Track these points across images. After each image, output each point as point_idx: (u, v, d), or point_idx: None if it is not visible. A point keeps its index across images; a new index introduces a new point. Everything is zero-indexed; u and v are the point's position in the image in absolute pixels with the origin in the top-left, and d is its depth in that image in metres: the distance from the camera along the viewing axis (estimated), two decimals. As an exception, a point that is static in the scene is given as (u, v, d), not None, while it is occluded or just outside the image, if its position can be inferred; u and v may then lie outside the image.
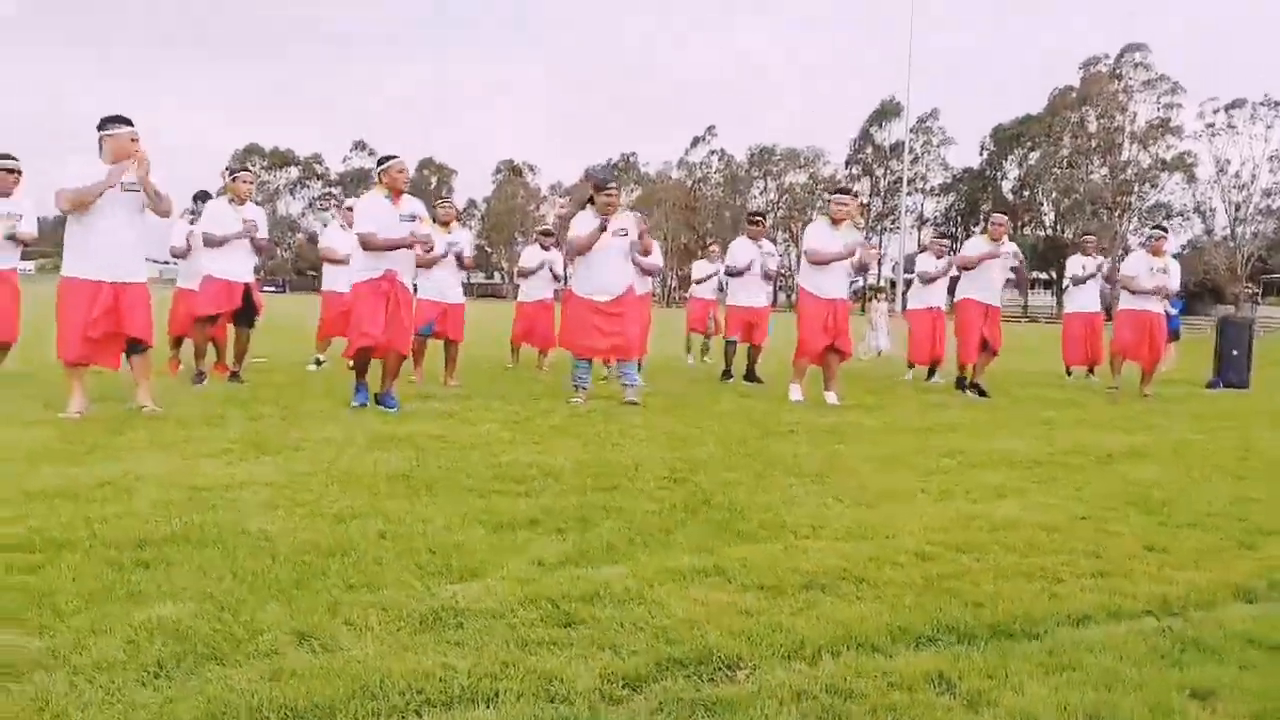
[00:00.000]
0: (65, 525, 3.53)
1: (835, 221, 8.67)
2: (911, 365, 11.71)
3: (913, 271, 12.08)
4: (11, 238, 8.00)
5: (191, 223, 9.15)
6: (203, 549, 3.31)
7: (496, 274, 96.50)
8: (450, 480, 4.60)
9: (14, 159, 8.00)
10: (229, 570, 3.08)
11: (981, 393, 9.51)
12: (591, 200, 8.10)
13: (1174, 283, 10.39)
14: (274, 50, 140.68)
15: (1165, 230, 11.23)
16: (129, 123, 6.31)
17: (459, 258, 9.39)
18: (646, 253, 8.30)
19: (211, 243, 8.36)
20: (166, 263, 9.19)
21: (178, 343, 9.50)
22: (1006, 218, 10.53)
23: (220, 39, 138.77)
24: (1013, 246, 10.01)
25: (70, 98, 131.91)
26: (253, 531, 3.55)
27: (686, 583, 3.15)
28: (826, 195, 9.56)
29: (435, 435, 5.93)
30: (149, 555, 3.21)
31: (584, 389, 8.08)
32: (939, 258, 11.58)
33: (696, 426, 6.77)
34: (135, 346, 6.52)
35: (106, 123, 6.31)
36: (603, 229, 7.83)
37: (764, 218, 11.90)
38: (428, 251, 7.58)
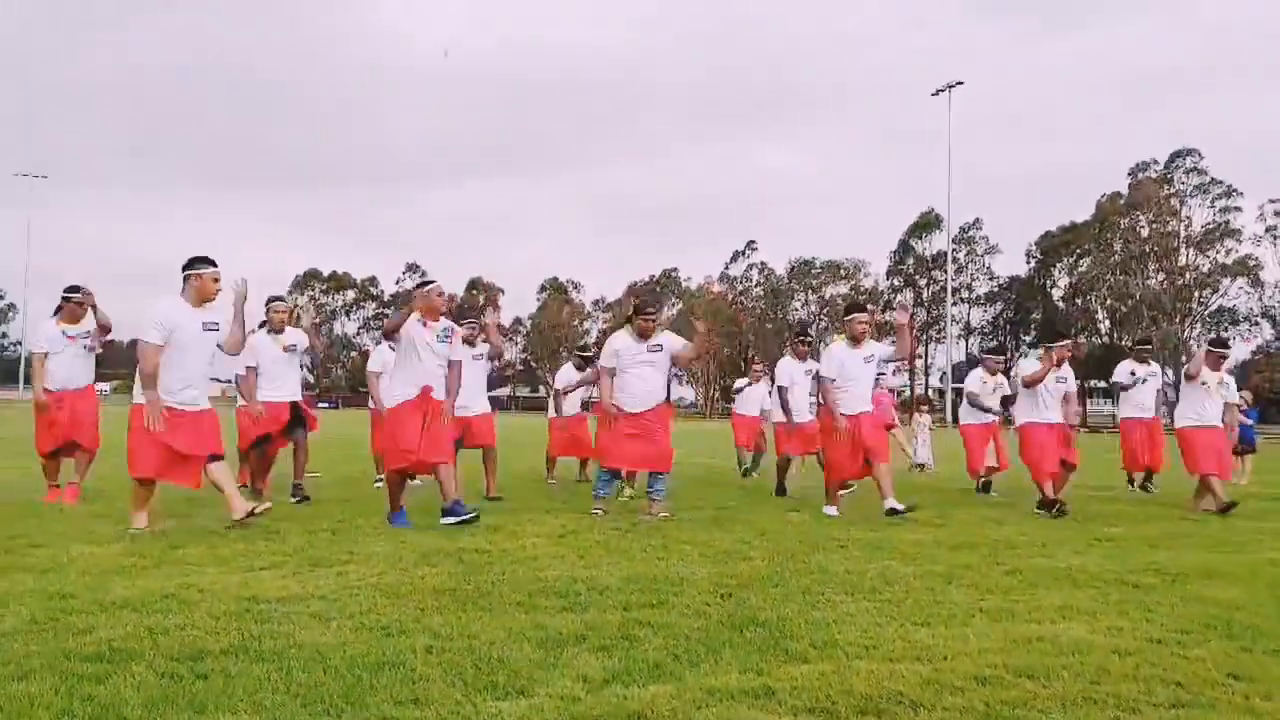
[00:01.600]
0: (130, 636, 3.68)
1: (855, 340, 8.70)
2: (977, 479, 11.41)
3: (963, 383, 11.90)
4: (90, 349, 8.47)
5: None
6: (258, 661, 3.39)
7: (541, 388, 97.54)
8: (496, 594, 4.60)
9: (77, 291, 8.38)
10: (282, 683, 3.14)
11: (1062, 512, 9.12)
12: (630, 320, 8.29)
13: (1231, 394, 10.17)
14: (328, 178, 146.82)
15: (1227, 347, 10.90)
16: (213, 264, 6.68)
17: (491, 362, 9.69)
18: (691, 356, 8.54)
19: (252, 375, 8.77)
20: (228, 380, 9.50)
21: (246, 456, 9.73)
22: (1070, 343, 10.26)
23: (278, 172, 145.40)
24: (1068, 371, 9.84)
25: (140, 238, 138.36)
26: (305, 644, 3.61)
27: (734, 703, 3.08)
28: (844, 317, 9.51)
29: (481, 549, 5.95)
30: (207, 667, 3.30)
31: (603, 496, 8.19)
32: (993, 374, 11.43)
33: (743, 541, 6.69)
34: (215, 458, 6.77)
35: (193, 263, 6.66)
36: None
37: (810, 337, 11.93)
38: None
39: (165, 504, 7.77)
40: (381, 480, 10.12)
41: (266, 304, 9.13)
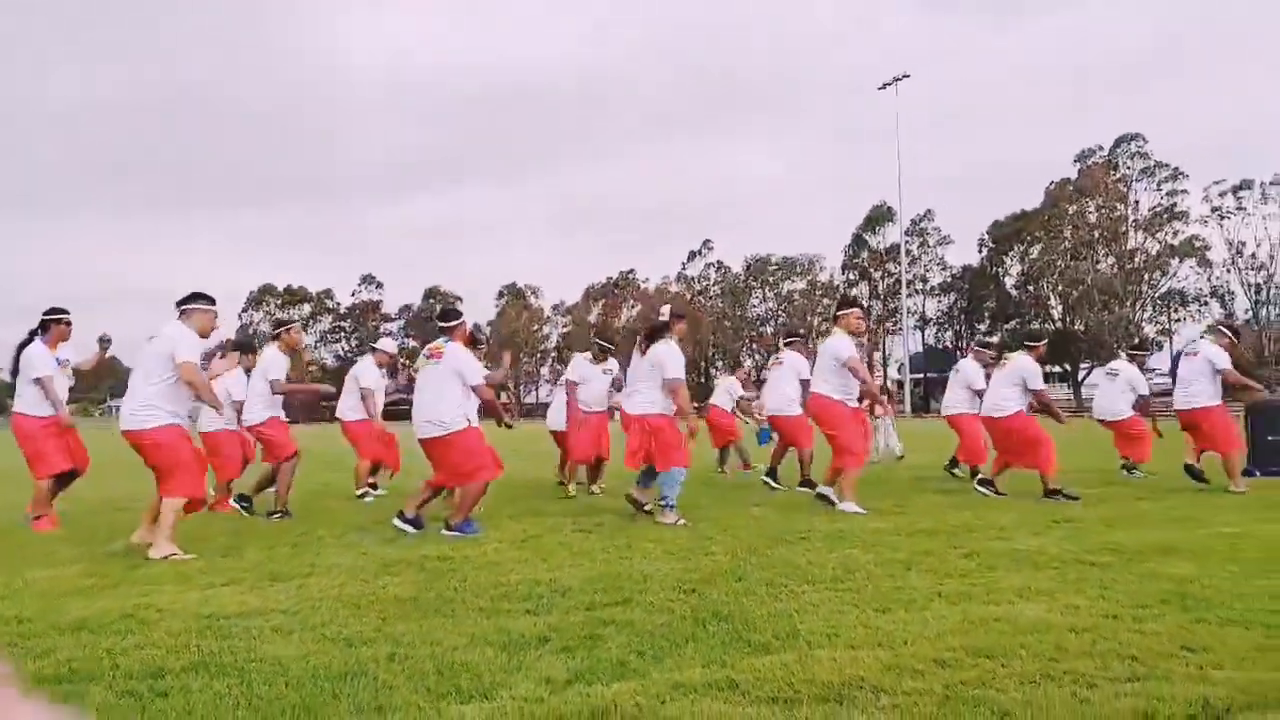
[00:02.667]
0: (89, 657, 3.64)
1: (855, 333, 8.80)
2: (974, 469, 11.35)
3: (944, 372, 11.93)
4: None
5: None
6: (218, 677, 3.36)
7: (503, 394, 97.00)
8: (458, 601, 4.59)
9: (65, 313, 8.24)
10: (244, 698, 3.12)
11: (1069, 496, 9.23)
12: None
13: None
14: (281, 194, 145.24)
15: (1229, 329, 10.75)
16: (211, 300, 6.70)
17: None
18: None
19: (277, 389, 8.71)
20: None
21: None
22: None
23: (230, 189, 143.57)
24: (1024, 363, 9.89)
25: (91, 254, 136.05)
26: (266, 658, 3.59)
27: (698, 697, 3.10)
28: (837, 311, 9.43)
29: (443, 557, 5.93)
30: (167, 685, 3.28)
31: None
32: (985, 366, 11.30)
33: (706, 537, 6.73)
34: None
35: (192, 298, 6.65)
36: None
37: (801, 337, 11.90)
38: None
39: (124, 525, 7.68)
40: (366, 493, 10.06)
41: (286, 327, 9.19)
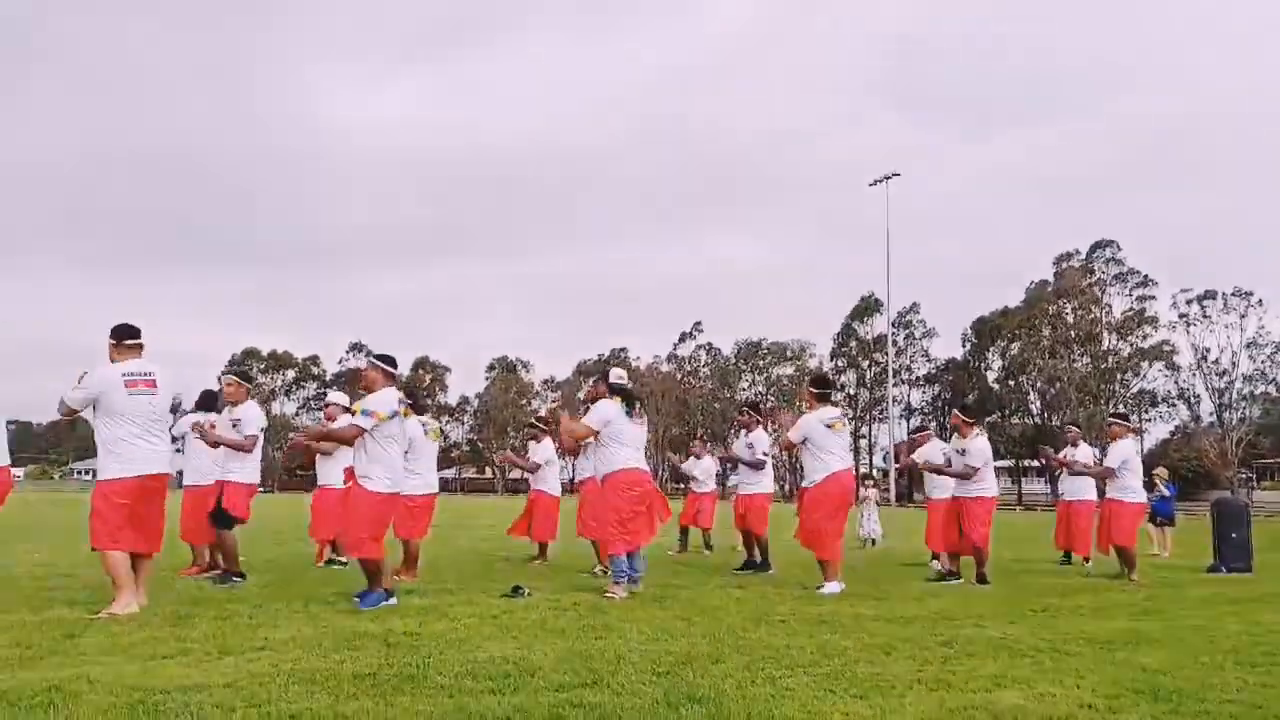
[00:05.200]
0: (-4, 736, 3.30)
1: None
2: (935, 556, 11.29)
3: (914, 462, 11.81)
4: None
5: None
6: (144, 759, 3.08)
7: (488, 468, 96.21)
8: (420, 678, 4.35)
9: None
10: (170, 779, 2.85)
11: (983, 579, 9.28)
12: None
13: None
14: (269, 259, 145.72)
15: (1124, 418, 11.27)
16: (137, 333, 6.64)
17: None
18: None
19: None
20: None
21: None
22: (960, 415, 10.41)
23: (216, 253, 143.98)
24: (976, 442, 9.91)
25: (69, 312, 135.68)
26: (202, 736, 3.31)
27: (667, 784, 2.90)
28: (813, 389, 9.45)
29: (410, 631, 5.67)
30: (84, 768, 2.97)
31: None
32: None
33: (682, 618, 6.51)
34: None
35: (119, 333, 6.59)
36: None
37: (751, 410, 11.80)
38: None
39: (63, 592, 7.38)
40: (341, 561, 9.74)
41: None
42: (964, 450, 9.75)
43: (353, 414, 7.33)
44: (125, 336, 6.59)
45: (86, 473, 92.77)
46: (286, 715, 3.64)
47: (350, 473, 7.69)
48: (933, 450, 11.15)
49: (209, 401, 9.46)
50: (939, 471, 10.25)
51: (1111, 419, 11.22)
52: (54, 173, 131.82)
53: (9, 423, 7.85)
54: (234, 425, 8.39)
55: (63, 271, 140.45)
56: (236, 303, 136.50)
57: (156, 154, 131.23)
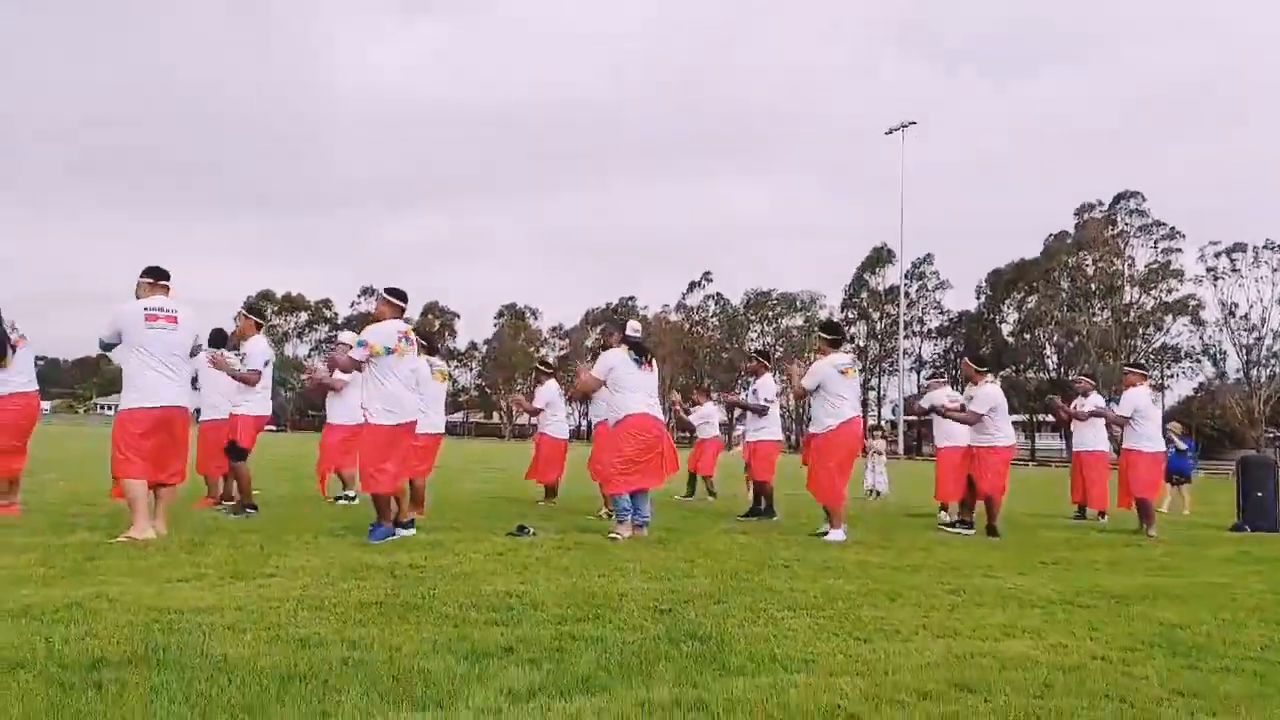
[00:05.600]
0: (24, 644, 3.44)
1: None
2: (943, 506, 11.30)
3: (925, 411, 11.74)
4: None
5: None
6: (160, 671, 3.18)
7: (495, 413, 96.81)
8: (425, 608, 4.40)
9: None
10: (181, 694, 2.94)
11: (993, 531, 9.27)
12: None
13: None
14: (284, 204, 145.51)
15: (1141, 368, 11.14)
16: (166, 275, 6.94)
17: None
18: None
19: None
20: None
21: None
22: (970, 363, 10.35)
23: (234, 196, 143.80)
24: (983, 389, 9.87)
25: (84, 252, 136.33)
26: (213, 654, 3.41)
27: (665, 716, 2.93)
28: (825, 335, 9.37)
29: (415, 565, 5.73)
30: (103, 676, 3.09)
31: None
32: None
33: (687, 560, 6.54)
34: None
35: (148, 273, 6.89)
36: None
37: (760, 358, 11.80)
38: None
39: (86, 518, 7.49)
40: (346, 498, 9.84)
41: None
42: (972, 398, 9.72)
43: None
44: (154, 276, 6.93)
45: (109, 408, 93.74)
46: (295, 638, 3.69)
47: None
48: (941, 396, 11.08)
49: (219, 339, 9.51)
50: (946, 414, 10.10)
51: (1127, 368, 11.07)
52: (80, 112, 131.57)
53: (36, 358, 8.16)
54: (242, 360, 8.48)
55: (89, 212, 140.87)
56: (254, 246, 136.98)
57: (180, 96, 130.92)
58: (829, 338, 9.02)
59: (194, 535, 6.63)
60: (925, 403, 11.08)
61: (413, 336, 7.44)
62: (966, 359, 10.48)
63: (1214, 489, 17.42)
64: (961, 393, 10.48)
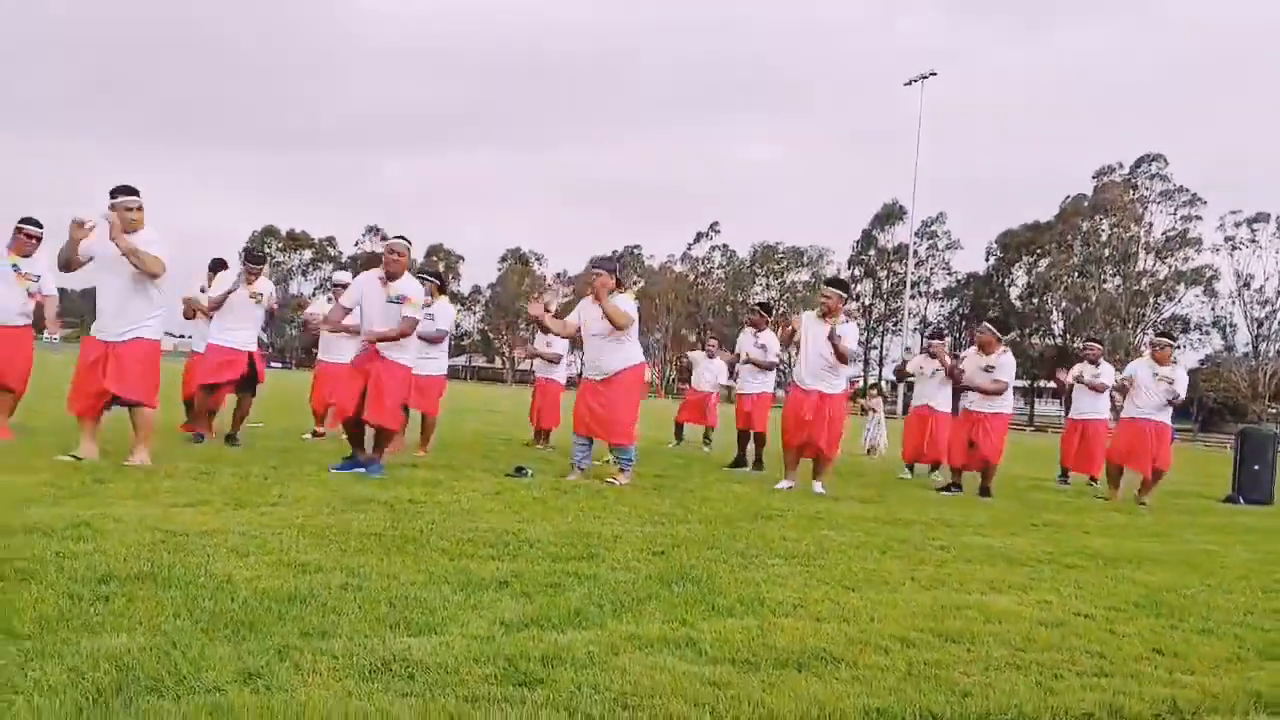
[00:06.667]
0: (35, 559, 3.53)
1: (825, 314, 8.64)
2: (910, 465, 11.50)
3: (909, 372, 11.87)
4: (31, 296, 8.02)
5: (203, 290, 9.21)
6: (165, 588, 3.28)
7: (498, 358, 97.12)
8: (423, 541, 4.49)
9: (39, 224, 8.06)
10: (186, 609, 3.04)
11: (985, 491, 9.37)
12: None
13: (1181, 390, 10.23)
14: (291, 141, 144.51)
15: (1173, 339, 11.13)
16: (133, 192, 6.61)
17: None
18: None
19: (215, 303, 8.47)
20: (182, 335, 9.28)
21: (190, 405, 9.51)
22: (992, 330, 10.33)
23: (240, 131, 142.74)
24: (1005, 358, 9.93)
25: (86, 180, 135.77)
26: (217, 575, 3.50)
27: (654, 652, 3.02)
28: (845, 294, 9.32)
29: (415, 500, 5.84)
30: (111, 590, 3.19)
31: (580, 468, 7.98)
32: (934, 358, 11.33)
33: (682, 506, 6.65)
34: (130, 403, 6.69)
35: (114, 193, 6.58)
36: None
37: (762, 310, 11.86)
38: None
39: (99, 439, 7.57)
40: (312, 435, 9.94)
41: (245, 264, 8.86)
42: (991, 367, 9.73)
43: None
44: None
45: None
46: (296, 563, 3.79)
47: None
48: (918, 363, 11.43)
49: (219, 266, 9.50)
50: (978, 387, 9.88)
51: (1160, 340, 10.79)
52: (84, 42, 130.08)
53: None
54: (254, 296, 8.61)
55: (95, 144, 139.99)
56: (258, 182, 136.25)
57: (186, 31, 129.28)
58: (847, 295, 9.08)
59: (199, 464, 6.73)
60: (917, 366, 11.22)
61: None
62: (989, 326, 10.40)
63: (1212, 461, 17.50)
64: (962, 360, 10.42)
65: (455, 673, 2.63)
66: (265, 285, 8.85)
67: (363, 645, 2.80)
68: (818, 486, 8.43)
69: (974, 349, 10.12)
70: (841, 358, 8.50)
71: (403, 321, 7.21)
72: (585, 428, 7.97)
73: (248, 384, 8.72)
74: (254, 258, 8.85)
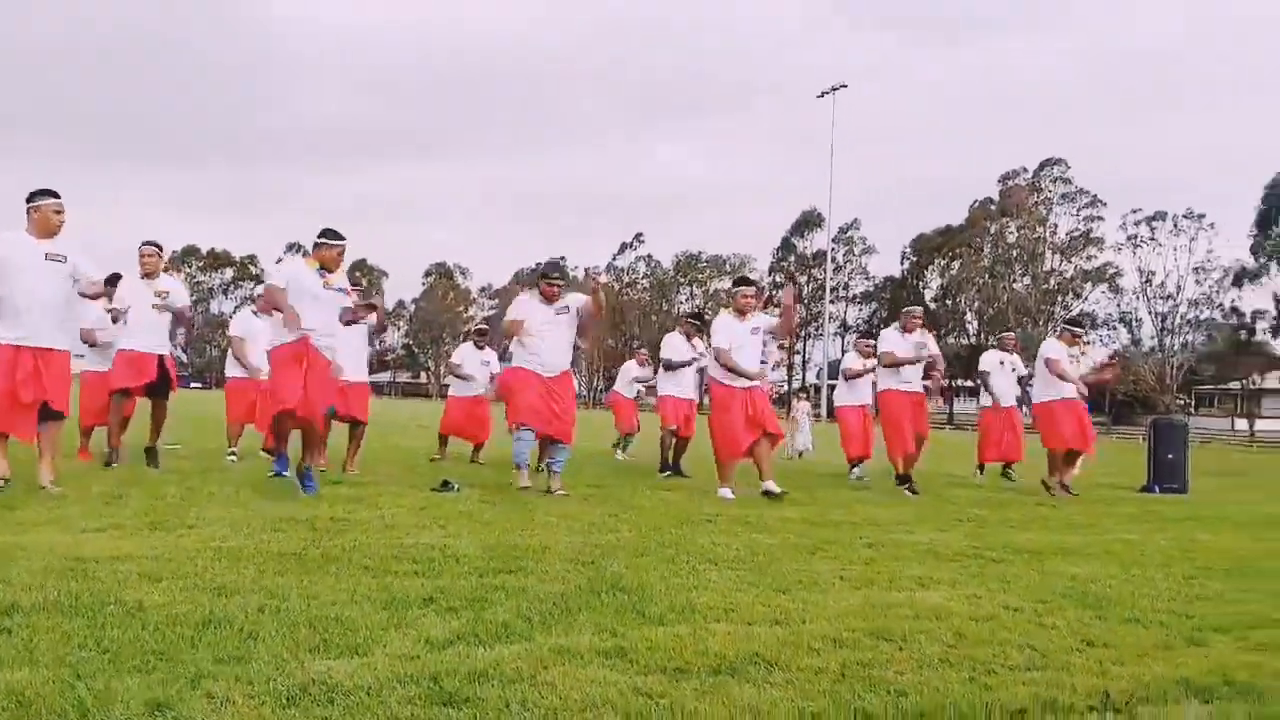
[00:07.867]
0: (-69, 593, 3.34)
1: (740, 313, 8.67)
2: (852, 464, 11.58)
3: (838, 373, 12.08)
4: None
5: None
6: (72, 617, 3.13)
7: (423, 373, 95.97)
8: (345, 559, 4.37)
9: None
10: (93, 639, 2.90)
11: (913, 490, 9.47)
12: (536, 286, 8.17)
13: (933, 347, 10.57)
14: (212, 156, 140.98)
15: (1082, 326, 11.52)
16: (55, 195, 6.46)
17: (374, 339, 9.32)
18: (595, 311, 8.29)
19: (121, 312, 8.13)
20: (80, 355, 8.82)
21: (88, 432, 9.11)
22: (919, 308, 10.72)
23: (155, 148, 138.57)
24: (927, 337, 10.21)
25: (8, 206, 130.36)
26: (127, 602, 3.35)
27: (584, 664, 2.96)
28: (730, 289, 9.47)
29: (337, 518, 5.68)
30: (13, 622, 3.04)
31: (525, 466, 7.93)
32: (865, 358, 11.54)
33: (611, 515, 6.59)
34: (50, 415, 6.41)
35: (34, 195, 6.42)
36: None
37: (694, 320, 11.90)
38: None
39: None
40: (234, 454, 9.59)
41: (140, 248, 8.43)
42: (924, 343, 10.00)
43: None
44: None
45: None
46: (211, 586, 3.65)
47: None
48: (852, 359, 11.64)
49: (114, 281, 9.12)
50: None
51: (1065, 326, 11.41)
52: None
53: None
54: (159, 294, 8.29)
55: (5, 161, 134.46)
56: (177, 200, 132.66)
57: (101, 46, 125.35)
58: (761, 289, 9.24)
59: (114, 488, 6.48)
60: (858, 365, 11.30)
61: None
62: (920, 310, 10.74)
63: (1124, 452, 18.10)
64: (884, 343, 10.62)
65: (377, 695, 2.53)
66: (170, 283, 8.48)
67: (281, 670, 2.69)
68: (772, 486, 8.29)
69: (898, 332, 10.25)
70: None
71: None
72: (544, 422, 7.89)
73: (160, 389, 8.36)
74: (147, 243, 8.47)
